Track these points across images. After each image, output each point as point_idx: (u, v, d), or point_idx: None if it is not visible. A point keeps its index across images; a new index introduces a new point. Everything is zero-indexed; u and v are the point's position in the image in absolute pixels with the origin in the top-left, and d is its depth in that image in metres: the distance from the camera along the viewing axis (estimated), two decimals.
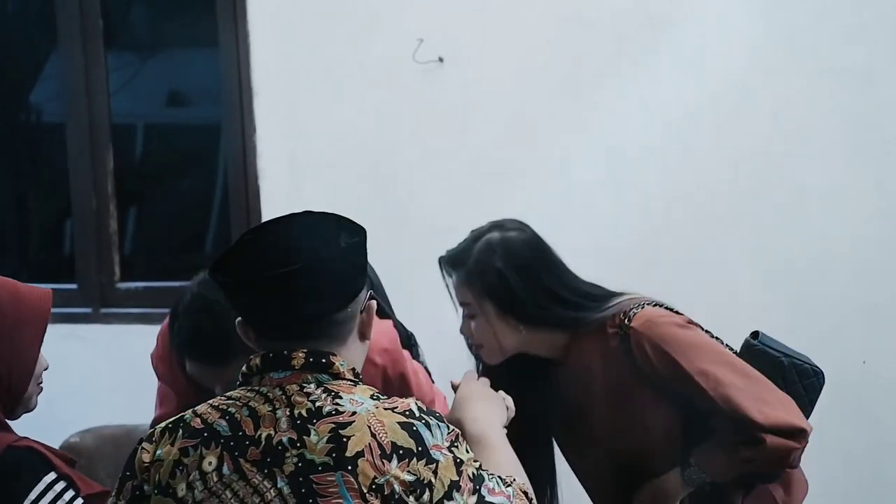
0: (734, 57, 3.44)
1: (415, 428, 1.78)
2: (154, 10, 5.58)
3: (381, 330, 2.68)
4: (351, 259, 1.86)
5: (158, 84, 5.73)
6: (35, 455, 2.14)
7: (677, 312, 2.42)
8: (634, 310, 2.38)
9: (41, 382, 2.26)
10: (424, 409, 1.83)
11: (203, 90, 5.56)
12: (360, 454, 1.74)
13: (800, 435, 2.27)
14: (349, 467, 1.74)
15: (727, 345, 2.44)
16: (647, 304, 2.40)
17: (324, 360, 1.84)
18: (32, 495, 2.09)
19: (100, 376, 4.15)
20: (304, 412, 1.79)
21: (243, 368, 1.89)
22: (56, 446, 2.29)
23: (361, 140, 3.79)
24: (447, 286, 2.50)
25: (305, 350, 1.83)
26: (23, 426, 2.25)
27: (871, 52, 3.33)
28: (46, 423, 2.47)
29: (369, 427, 1.76)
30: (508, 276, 2.41)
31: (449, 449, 1.79)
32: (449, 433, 1.81)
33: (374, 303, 1.93)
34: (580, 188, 3.60)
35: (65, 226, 5.20)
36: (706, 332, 2.43)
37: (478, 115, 3.72)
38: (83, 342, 4.15)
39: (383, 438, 1.75)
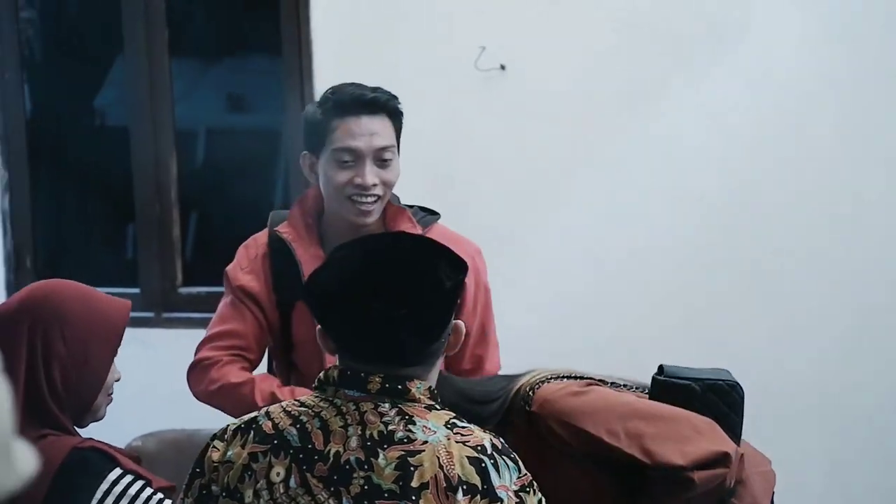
0: (797, 67, 3.41)
1: (483, 465, 1.77)
2: (216, 16, 5.63)
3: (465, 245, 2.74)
4: (453, 298, 1.87)
5: (219, 90, 5.78)
6: (99, 454, 2.16)
7: (576, 377, 2.36)
8: (529, 393, 2.31)
9: (111, 393, 2.28)
10: (499, 446, 1.82)
11: (262, 95, 5.59)
12: (424, 486, 1.75)
13: (724, 460, 2.20)
14: (413, 497, 1.74)
15: (639, 387, 2.38)
16: (541, 381, 2.32)
17: (399, 387, 1.84)
18: (99, 493, 2.11)
19: (161, 380, 4.17)
20: (375, 434, 1.79)
21: (320, 375, 1.90)
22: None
23: (422, 146, 3.78)
24: None
25: (382, 375, 1.84)
26: (84, 430, 2.28)
27: None
28: (108, 427, 2.49)
29: (438, 458, 1.76)
30: None
31: (517, 493, 1.78)
32: (520, 477, 1.80)
33: (461, 323, 1.93)
34: (639, 196, 3.59)
35: (127, 229, 5.25)
36: (612, 384, 2.37)
37: (539, 122, 3.71)
38: (145, 346, 4.18)
39: (450, 471, 1.75)
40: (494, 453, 1.79)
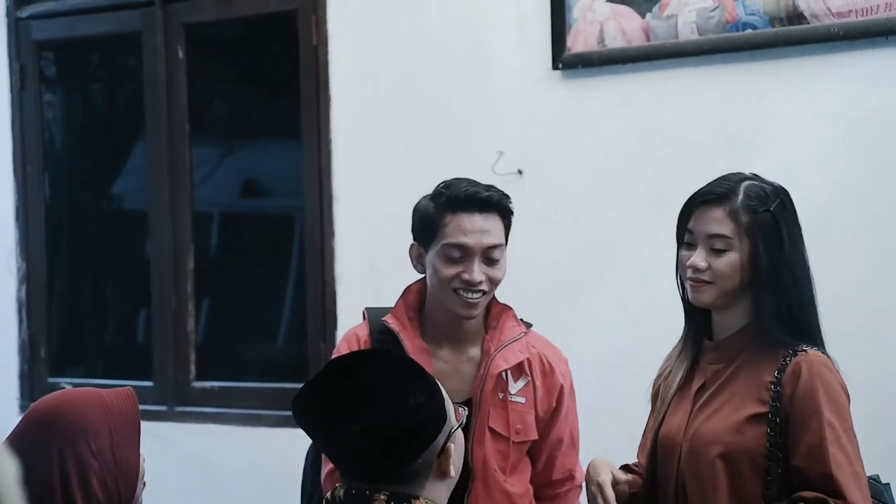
0: (815, 178, 3.41)
1: None
2: (236, 101, 5.67)
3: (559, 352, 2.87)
4: (418, 419, 1.86)
5: (235, 174, 5.80)
6: None
7: None
8: (816, 348, 2.40)
9: (144, 476, 2.24)
10: None
11: (276, 181, 5.61)
12: None
13: None
14: None
15: None
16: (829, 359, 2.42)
17: None
18: None
19: (173, 474, 4.16)
20: None
21: (327, 496, 1.90)
22: None
23: None
24: (682, 229, 2.52)
25: (387, 493, 1.85)
26: None
27: None
28: None
29: None
30: (780, 223, 2.43)
31: None
32: None
33: (451, 446, 1.92)
34: (659, 305, 3.56)
35: (139, 316, 5.25)
36: None
37: (556, 228, 3.72)
38: (157, 440, 4.17)
39: None
40: None
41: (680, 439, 2.45)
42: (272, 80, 5.04)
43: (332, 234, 4.10)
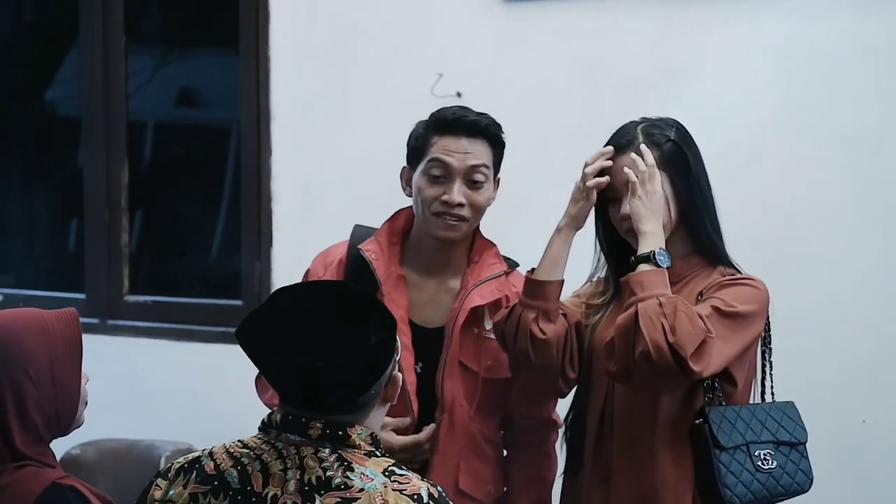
0: (748, 112, 3.47)
1: None
2: (172, 9, 5.60)
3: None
4: (379, 354, 1.89)
5: (171, 83, 5.75)
6: (77, 496, 2.13)
7: None
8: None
9: (86, 396, 2.25)
10: (436, 495, 1.86)
11: (212, 92, 5.57)
12: None
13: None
14: None
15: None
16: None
17: (340, 433, 1.88)
18: None
19: (103, 388, 4.12)
20: (313, 479, 1.83)
21: (264, 417, 1.93)
22: (57, 458, 2.28)
23: (378, 171, 3.80)
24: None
25: (323, 422, 1.87)
26: None
27: (882, 118, 3.36)
28: None
29: None
30: (685, 149, 2.50)
31: None
32: None
33: (399, 375, 1.96)
34: (591, 234, 3.62)
35: (70, 227, 5.23)
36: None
37: None
38: (88, 353, 4.14)
39: None
40: (431, 502, 1.83)
41: None
42: None
43: (269, 152, 4.08)
